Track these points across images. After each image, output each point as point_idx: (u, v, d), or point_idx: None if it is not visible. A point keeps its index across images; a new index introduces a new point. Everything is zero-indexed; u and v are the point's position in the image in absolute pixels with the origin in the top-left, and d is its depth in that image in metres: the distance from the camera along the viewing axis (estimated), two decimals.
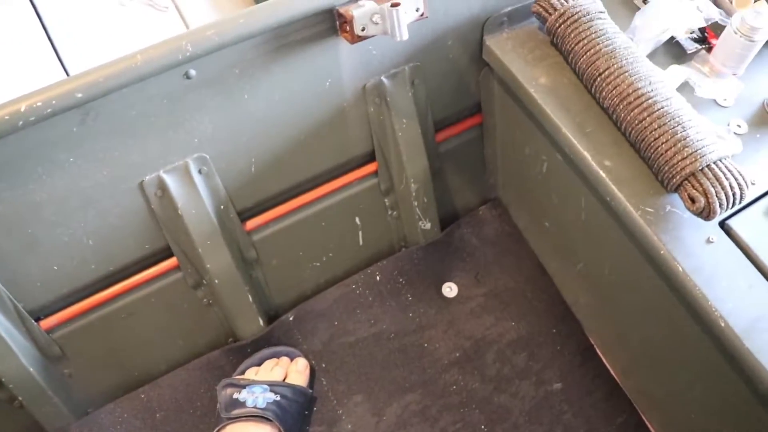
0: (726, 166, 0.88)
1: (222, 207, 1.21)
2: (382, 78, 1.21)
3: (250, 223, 1.32)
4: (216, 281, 1.24)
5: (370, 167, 1.38)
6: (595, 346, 1.37)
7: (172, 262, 1.26)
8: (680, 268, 0.94)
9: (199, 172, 1.16)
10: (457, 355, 1.34)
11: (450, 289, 1.41)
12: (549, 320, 1.38)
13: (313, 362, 1.33)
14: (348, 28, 1.04)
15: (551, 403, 1.30)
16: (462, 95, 1.36)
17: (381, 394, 1.30)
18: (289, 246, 1.36)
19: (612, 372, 1.35)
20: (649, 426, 1.30)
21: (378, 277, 1.40)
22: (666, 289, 1.04)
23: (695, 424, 1.17)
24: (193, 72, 1.02)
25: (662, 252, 0.95)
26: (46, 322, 1.22)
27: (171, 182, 1.14)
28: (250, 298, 1.30)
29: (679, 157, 0.89)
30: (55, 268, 1.15)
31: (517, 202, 1.43)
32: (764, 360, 0.83)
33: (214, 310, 1.34)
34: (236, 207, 1.25)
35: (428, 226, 1.41)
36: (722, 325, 0.87)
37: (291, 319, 1.35)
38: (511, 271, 1.42)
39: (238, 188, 1.23)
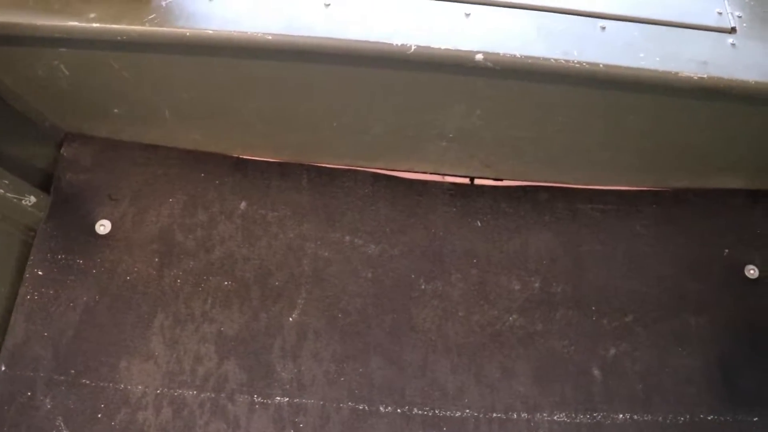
0: None
1: None
2: None
3: None
4: None
5: None
6: (242, 156, 1.68)
7: None
8: (208, 32, 1.21)
9: None
10: (156, 260, 1.52)
11: (104, 227, 1.55)
12: (216, 172, 1.65)
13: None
14: None
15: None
16: None
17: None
18: None
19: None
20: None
21: (41, 272, 1.48)
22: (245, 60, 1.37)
23: None
24: None
25: (211, 33, 1.27)
26: None
27: None
28: None
29: None
30: None
31: (80, 117, 1.59)
32: None
33: None
34: None
35: (33, 199, 1.50)
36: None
37: (3, 369, 1.39)
38: (127, 168, 1.60)
39: None
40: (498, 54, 1.31)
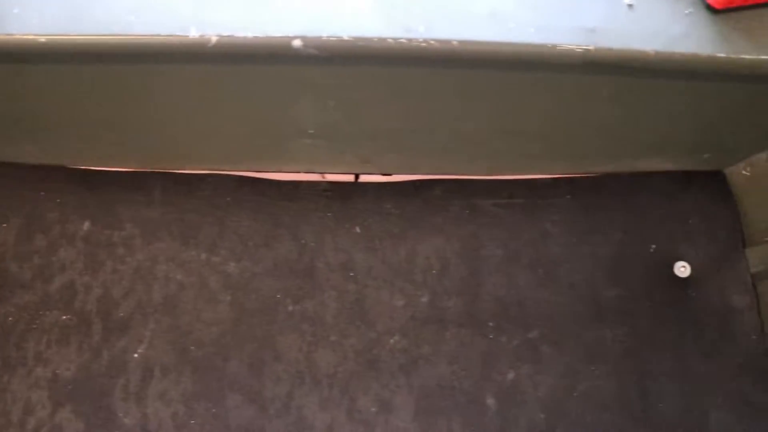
0: None
1: None
2: None
3: None
4: None
5: None
6: (89, 167, 1.46)
7: None
8: None
9: None
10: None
11: None
12: (58, 189, 1.44)
13: None
14: None
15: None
16: None
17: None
18: None
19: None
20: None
21: None
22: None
23: None
24: None
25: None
26: None
27: None
28: None
29: None
30: None
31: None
32: None
33: None
34: None
35: None
36: None
37: None
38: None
39: None
40: (320, 38, 1.05)
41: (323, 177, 1.47)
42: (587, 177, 1.46)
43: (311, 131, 1.33)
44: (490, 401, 1.30)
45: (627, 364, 1.33)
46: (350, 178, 1.48)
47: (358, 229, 1.41)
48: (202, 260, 1.38)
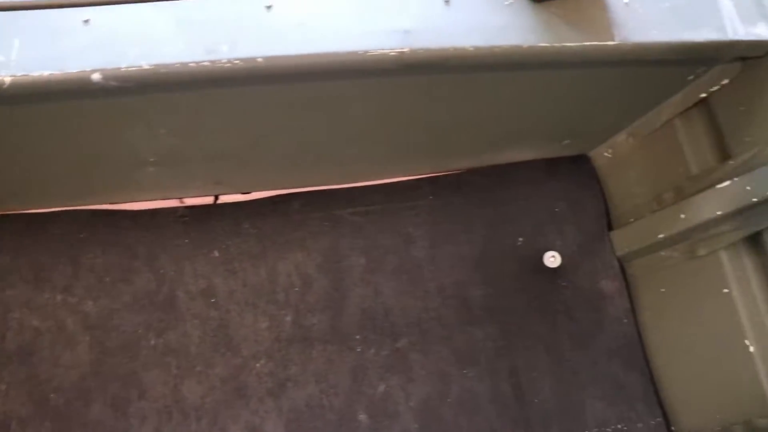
0: None
1: None
2: None
3: None
4: None
5: None
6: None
7: None
8: None
9: None
10: None
11: None
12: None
13: None
14: None
15: None
16: None
17: None
18: None
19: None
20: None
21: None
22: None
23: None
24: None
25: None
26: None
27: None
28: None
29: None
30: None
31: None
32: None
33: None
34: None
35: None
36: None
37: None
38: None
39: None
40: (119, 69, 0.99)
41: (182, 202, 1.42)
42: (449, 175, 1.42)
43: (152, 159, 1.28)
44: (362, 416, 1.27)
45: (500, 363, 1.30)
46: (210, 200, 1.43)
47: (216, 253, 1.36)
48: (58, 302, 1.33)
